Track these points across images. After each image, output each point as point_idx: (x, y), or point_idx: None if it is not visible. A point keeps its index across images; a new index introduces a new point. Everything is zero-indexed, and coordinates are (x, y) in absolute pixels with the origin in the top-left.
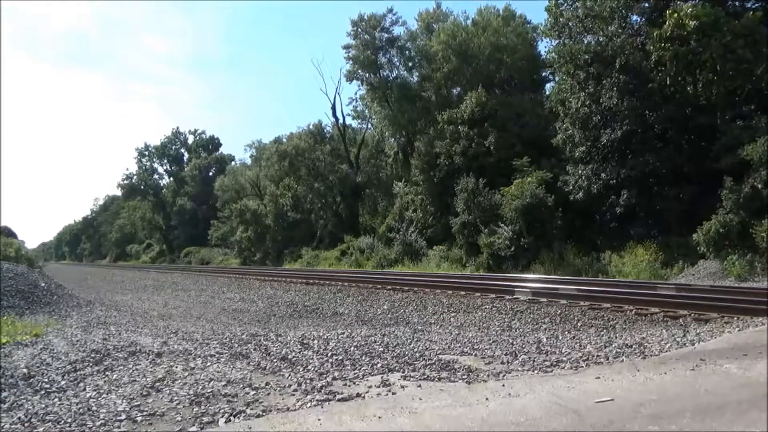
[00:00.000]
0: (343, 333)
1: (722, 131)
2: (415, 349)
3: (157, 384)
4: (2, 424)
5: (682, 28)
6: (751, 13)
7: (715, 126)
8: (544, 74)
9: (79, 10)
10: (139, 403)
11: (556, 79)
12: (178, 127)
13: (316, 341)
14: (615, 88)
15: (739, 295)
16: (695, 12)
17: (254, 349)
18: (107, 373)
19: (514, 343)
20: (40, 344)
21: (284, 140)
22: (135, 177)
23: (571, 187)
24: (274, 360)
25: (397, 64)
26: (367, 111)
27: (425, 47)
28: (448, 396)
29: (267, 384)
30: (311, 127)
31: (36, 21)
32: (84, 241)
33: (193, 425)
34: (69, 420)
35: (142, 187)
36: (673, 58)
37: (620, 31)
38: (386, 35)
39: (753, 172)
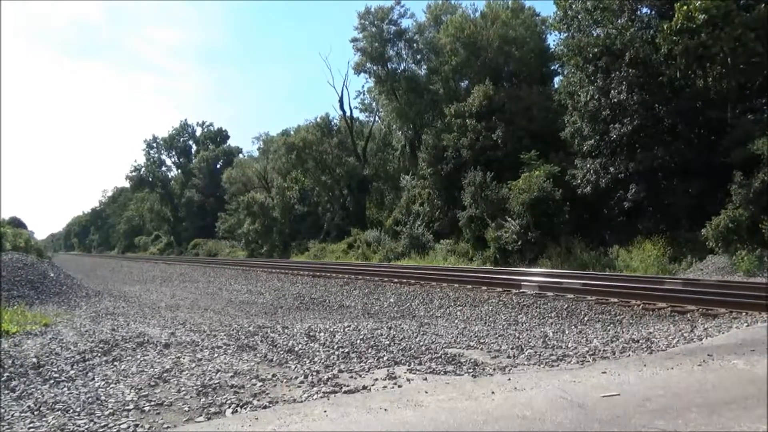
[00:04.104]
0: (350, 326)
1: (732, 125)
2: (422, 343)
3: (165, 374)
4: (12, 413)
5: (692, 21)
6: (763, 5)
7: (725, 120)
8: (552, 67)
9: (86, 0)
10: (146, 393)
11: (565, 72)
12: (186, 119)
13: (322, 334)
14: (624, 82)
15: (747, 290)
16: (705, 5)
17: (261, 341)
18: (115, 363)
19: (521, 337)
20: (49, 334)
21: (292, 133)
22: (143, 169)
23: (579, 181)
24: (281, 352)
25: (405, 56)
26: (374, 104)
27: (433, 40)
28: (453, 389)
29: (274, 376)
30: (319, 119)
31: (43, 11)
32: (93, 232)
33: (200, 415)
34: (78, 409)
35: (151, 179)
36: (683, 51)
37: (630, 24)
38: (394, 27)
39: (763, 167)
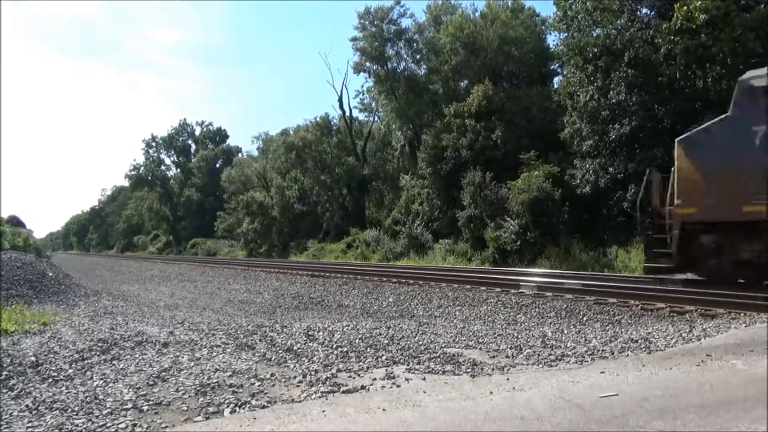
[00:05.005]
0: (349, 325)
1: None
2: (420, 342)
3: (163, 374)
4: (11, 411)
5: (692, 21)
6: (763, 6)
7: None
8: (552, 67)
9: (86, 0)
10: (145, 392)
11: (564, 72)
12: (185, 119)
13: (321, 333)
14: (623, 82)
15: (746, 290)
16: (704, 5)
17: (260, 340)
18: (114, 362)
19: (519, 337)
20: (48, 333)
21: (291, 132)
22: (142, 168)
23: (578, 181)
24: (280, 351)
25: (405, 56)
26: (374, 103)
27: (433, 40)
28: (452, 389)
29: (272, 375)
30: (318, 119)
31: (42, 11)
32: (91, 231)
33: (199, 415)
34: (76, 408)
35: (150, 178)
36: (683, 51)
37: (629, 24)
38: (394, 27)
39: None
